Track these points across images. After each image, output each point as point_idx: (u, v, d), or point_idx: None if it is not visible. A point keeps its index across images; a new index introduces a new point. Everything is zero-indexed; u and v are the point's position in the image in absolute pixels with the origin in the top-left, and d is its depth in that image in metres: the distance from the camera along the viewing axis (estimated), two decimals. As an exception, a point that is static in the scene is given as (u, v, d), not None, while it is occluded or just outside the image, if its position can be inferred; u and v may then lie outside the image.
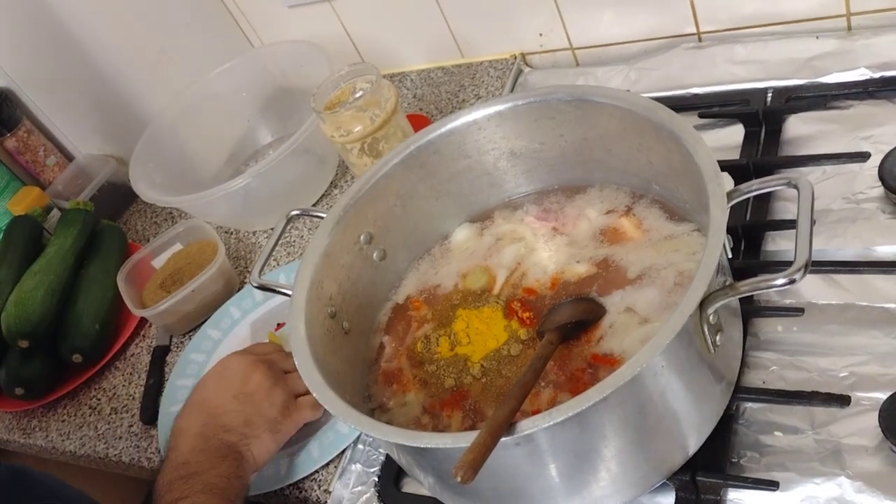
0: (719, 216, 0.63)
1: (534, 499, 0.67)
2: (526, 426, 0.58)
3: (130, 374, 1.17)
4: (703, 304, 0.61)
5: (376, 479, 0.86)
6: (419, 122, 1.15)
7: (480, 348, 0.80)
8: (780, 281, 0.59)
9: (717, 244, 0.61)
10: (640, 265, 0.79)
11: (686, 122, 0.71)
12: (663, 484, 0.70)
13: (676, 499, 0.71)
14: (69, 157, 1.56)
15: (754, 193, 0.67)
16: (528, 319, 0.81)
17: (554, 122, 0.84)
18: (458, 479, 0.55)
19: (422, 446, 0.62)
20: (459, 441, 0.58)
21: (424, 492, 0.81)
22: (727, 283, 0.62)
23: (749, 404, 0.75)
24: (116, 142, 1.47)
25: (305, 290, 0.77)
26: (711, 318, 0.62)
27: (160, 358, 1.15)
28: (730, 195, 0.65)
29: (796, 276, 0.58)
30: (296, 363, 0.72)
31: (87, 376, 1.17)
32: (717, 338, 0.65)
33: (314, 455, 0.90)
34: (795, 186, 0.63)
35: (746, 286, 0.61)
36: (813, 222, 0.61)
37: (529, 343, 0.79)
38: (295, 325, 0.74)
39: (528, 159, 0.89)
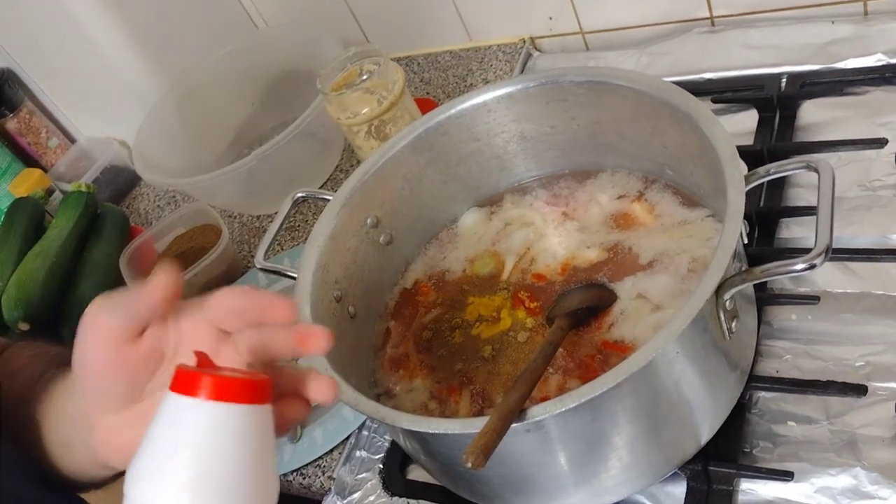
0: (737, 199, 0.61)
1: (543, 487, 0.66)
2: (537, 412, 0.57)
3: (132, 358, 1.15)
4: (719, 290, 0.59)
5: (381, 466, 0.85)
6: (427, 105, 1.14)
7: (489, 333, 0.79)
8: (800, 266, 0.57)
9: (735, 228, 0.60)
10: (652, 251, 0.78)
11: (703, 105, 0.70)
12: (675, 473, 0.69)
13: (688, 489, 0.70)
14: (71, 139, 1.54)
15: (772, 177, 0.66)
16: (535, 309, 0.79)
17: (566, 104, 0.82)
18: (469, 465, 0.54)
19: (431, 432, 0.60)
20: (469, 427, 0.57)
21: (430, 479, 0.80)
22: (743, 269, 0.61)
23: (762, 393, 0.73)
24: (119, 124, 1.45)
25: (311, 272, 0.76)
26: (728, 303, 0.61)
27: (162, 342, 1.14)
28: (747, 178, 0.64)
29: (816, 261, 0.57)
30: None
31: (88, 360, 1.16)
32: (733, 324, 0.63)
33: (318, 441, 0.89)
34: (815, 169, 0.62)
35: (764, 271, 0.59)
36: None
37: (537, 330, 0.78)
38: (300, 307, 0.73)
39: (539, 143, 0.87)
